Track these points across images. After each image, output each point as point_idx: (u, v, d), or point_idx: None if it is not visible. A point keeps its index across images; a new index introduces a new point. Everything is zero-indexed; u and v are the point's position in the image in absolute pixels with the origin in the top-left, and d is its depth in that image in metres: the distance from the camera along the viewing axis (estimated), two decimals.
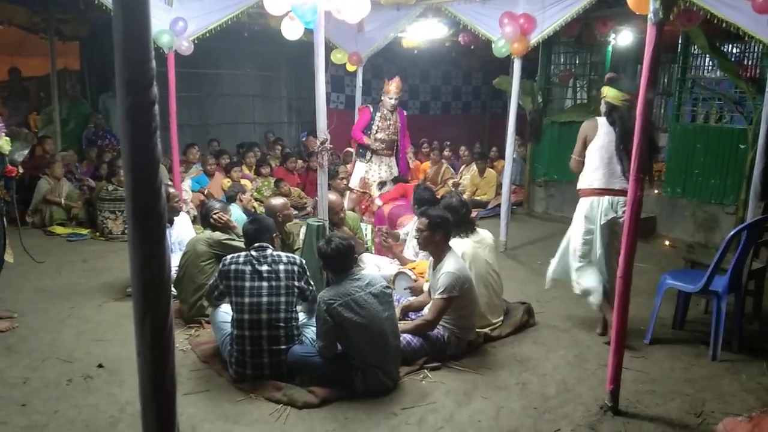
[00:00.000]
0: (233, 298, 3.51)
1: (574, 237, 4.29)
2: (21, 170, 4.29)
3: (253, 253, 3.59)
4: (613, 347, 3.22)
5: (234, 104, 11.39)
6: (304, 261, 3.70)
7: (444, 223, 3.92)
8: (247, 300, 3.46)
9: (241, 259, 3.57)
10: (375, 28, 7.41)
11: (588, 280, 4.20)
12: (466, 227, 4.36)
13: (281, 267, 3.55)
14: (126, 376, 3.56)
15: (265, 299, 3.46)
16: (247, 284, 3.48)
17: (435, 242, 3.94)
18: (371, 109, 6.61)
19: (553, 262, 4.49)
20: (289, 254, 3.70)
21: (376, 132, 6.60)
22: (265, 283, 3.49)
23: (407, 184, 7.31)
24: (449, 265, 3.81)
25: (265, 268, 3.53)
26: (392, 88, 6.54)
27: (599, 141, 4.14)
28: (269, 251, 3.62)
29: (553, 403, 3.37)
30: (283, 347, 3.49)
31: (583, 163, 4.24)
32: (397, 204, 6.41)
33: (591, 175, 4.17)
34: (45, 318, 4.47)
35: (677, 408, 3.36)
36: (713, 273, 3.92)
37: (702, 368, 3.85)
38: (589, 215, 4.18)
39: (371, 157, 6.67)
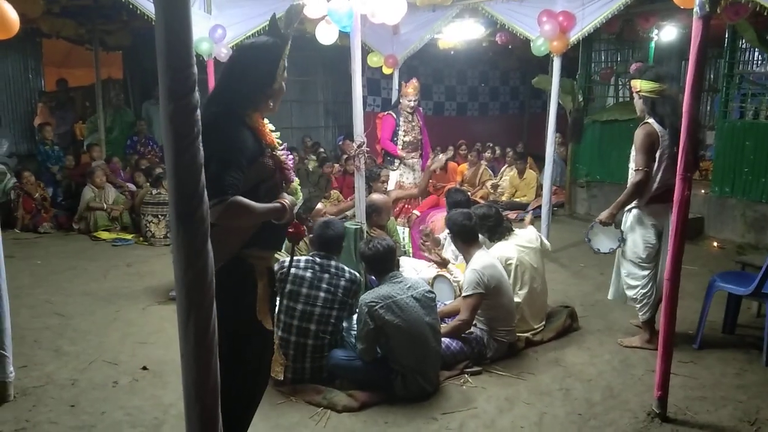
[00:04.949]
0: (285, 301, 3.46)
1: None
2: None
3: (317, 260, 3.54)
4: (661, 352, 3.12)
5: None
6: (362, 279, 3.65)
7: (452, 227, 4.00)
8: (300, 307, 3.44)
9: (302, 264, 3.52)
10: (411, 30, 7.38)
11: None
12: (501, 231, 4.34)
13: (342, 282, 3.51)
14: (170, 378, 3.61)
15: (318, 309, 3.45)
16: (304, 291, 3.45)
17: (462, 248, 4.04)
18: (394, 116, 6.59)
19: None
20: (353, 271, 3.62)
21: (404, 135, 6.59)
22: (322, 294, 3.46)
23: (438, 196, 7.29)
24: (473, 263, 3.83)
25: (326, 278, 3.49)
26: (410, 90, 6.50)
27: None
28: (333, 262, 3.56)
29: (598, 410, 3.29)
30: (326, 354, 3.50)
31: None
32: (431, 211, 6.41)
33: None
34: (92, 321, 4.59)
35: (729, 415, 3.23)
36: (765, 275, 3.77)
37: (755, 374, 3.70)
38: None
39: (399, 164, 6.67)
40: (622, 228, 4.05)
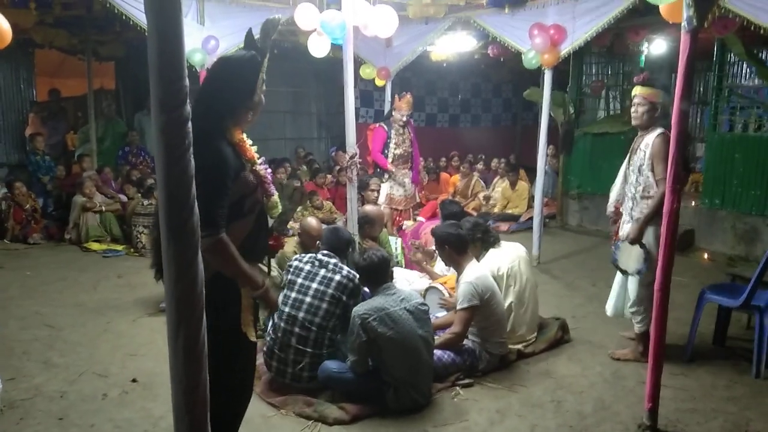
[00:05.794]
0: (284, 290, 3.65)
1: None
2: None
3: (318, 256, 3.71)
4: (652, 364, 3.13)
5: (264, 120, 11.51)
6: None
7: (447, 239, 3.93)
8: (293, 295, 3.59)
9: (305, 259, 3.72)
10: (403, 43, 7.45)
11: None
12: (493, 239, 4.35)
13: (336, 277, 3.61)
14: (159, 390, 3.59)
15: (308, 299, 3.54)
16: (299, 281, 3.62)
17: (450, 258, 3.99)
18: (385, 128, 6.61)
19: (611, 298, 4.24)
20: (351, 271, 3.69)
21: (395, 148, 6.61)
22: (314, 285, 3.58)
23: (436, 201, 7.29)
24: (467, 275, 3.81)
25: (322, 272, 3.62)
26: (403, 105, 6.52)
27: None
28: (333, 260, 3.69)
29: (589, 422, 3.29)
30: (308, 350, 3.51)
31: None
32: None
33: None
34: (82, 332, 4.55)
35: (719, 427, 3.24)
36: (755, 287, 3.79)
37: (745, 386, 3.71)
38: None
39: (389, 177, 6.69)
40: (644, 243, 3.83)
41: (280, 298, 3.60)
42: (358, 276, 3.66)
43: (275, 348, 3.57)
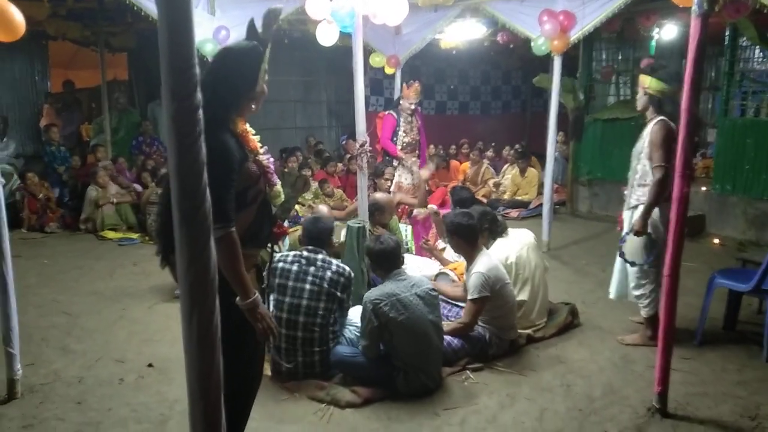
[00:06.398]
0: (275, 295, 3.54)
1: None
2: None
3: (305, 253, 3.61)
4: (661, 348, 3.14)
5: (275, 110, 11.56)
6: (352, 274, 3.68)
7: (457, 229, 3.91)
8: (287, 299, 3.51)
9: (290, 258, 3.60)
10: (413, 31, 7.43)
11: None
12: (501, 227, 4.36)
13: (328, 274, 3.54)
14: (174, 375, 3.66)
15: (304, 302, 3.49)
16: (290, 284, 3.52)
17: (459, 246, 3.98)
18: (395, 115, 6.61)
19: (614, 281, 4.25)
20: (340, 264, 3.66)
21: (404, 136, 6.62)
22: (307, 286, 3.51)
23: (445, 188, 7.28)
24: (479, 265, 3.81)
25: (312, 270, 3.54)
26: (411, 93, 6.49)
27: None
28: (320, 256, 3.61)
29: (598, 405, 3.32)
30: (316, 349, 3.53)
31: None
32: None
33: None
34: (98, 319, 4.64)
35: (729, 411, 3.25)
36: (766, 271, 3.78)
37: (755, 370, 3.72)
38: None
39: (399, 164, 6.70)
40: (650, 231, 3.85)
41: (272, 303, 3.52)
42: (349, 270, 3.63)
43: (281, 355, 3.53)
